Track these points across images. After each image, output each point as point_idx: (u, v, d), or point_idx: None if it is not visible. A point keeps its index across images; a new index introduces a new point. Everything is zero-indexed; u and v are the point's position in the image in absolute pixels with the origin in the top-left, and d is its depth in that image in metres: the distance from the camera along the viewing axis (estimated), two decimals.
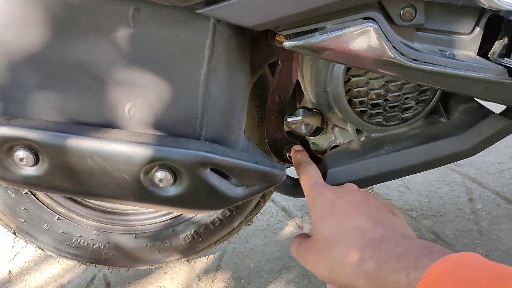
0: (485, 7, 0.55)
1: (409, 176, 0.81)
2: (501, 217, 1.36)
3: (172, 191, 0.65)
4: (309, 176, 0.69)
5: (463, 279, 0.40)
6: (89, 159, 0.61)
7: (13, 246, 1.35)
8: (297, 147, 0.81)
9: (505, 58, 0.64)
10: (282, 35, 0.63)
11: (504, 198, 1.44)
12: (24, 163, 0.63)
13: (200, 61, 0.60)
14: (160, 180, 0.63)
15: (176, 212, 1.01)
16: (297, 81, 0.79)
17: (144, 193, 0.65)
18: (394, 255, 0.49)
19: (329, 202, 0.61)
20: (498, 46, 0.65)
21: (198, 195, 0.65)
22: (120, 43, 0.60)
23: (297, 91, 0.86)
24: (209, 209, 0.68)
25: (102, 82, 0.62)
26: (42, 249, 1.04)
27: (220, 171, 0.64)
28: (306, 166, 0.72)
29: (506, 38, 0.64)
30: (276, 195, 1.50)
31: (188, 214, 1.02)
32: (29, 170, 0.64)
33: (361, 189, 0.89)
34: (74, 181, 0.64)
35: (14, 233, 1.02)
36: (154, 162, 0.61)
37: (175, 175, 0.63)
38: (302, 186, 0.70)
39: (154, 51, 0.60)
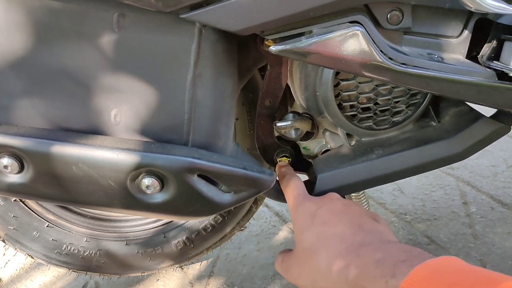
0: (472, 10, 0.55)
1: (403, 179, 0.80)
2: (496, 220, 1.36)
3: (159, 197, 0.64)
4: (292, 188, 0.69)
5: (442, 285, 0.40)
6: (75, 166, 0.61)
7: (4, 254, 1.34)
8: (282, 163, 0.82)
9: (494, 61, 0.63)
10: (269, 39, 0.63)
11: (498, 201, 1.44)
12: (9, 171, 0.62)
13: (186, 66, 0.60)
14: (147, 186, 0.62)
15: (164, 219, 1.00)
16: (287, 85, 0.79)
17: (131, 200, 0.64)
18: (373, 262, 0.48)
19: (310, 212, 0.61)
20: (486, 49, 0.64)
21: (185, 202, 0.64)
22: (105, 48, 0.59)
23: (288, 95, 0.85)
24: (197, 215, 0.67)
25: (87, 88, 0.61)
26: (32, 257, 1.03)
27: (208, 177, 0.63)
28: (290, 178, 0.72)
29: (494, 41, 0.64)
30: (269, 200, 1.49)
31: (177, 220, 1.01)
32: (13, 177, 0.63)
33: (353, 193, 0.90)
34: (59, 188, 0.64)
35: (3, 240, 1.00)
36: (141, 169, 0.61)
37: (162, 182, 0.62)
38: (286, 198, 0.70)
39: (139, 57, 0.60)
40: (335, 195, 0.66)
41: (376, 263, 0.48)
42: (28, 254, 1.02)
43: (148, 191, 0.63)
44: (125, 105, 0.62)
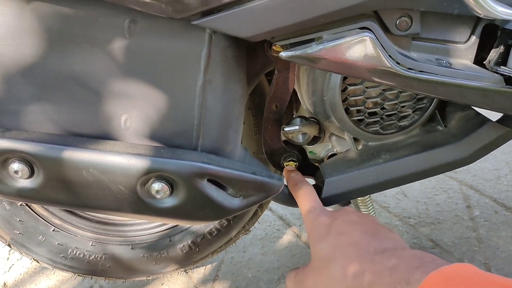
0: (481, 16, 0.55)
1: (407, 184, 0.81)
2: (499, 224, 1.36)
3: (169, 202, 0.64)
4: (307, 200, 0.70)
5: None
6: (85, 171, 0.61)
7: (8, 258, 1.34)
8: (289, 167, 0.82)
9: (501, 66, 0.64)
10: (279, 45, 0.63)
11: (502, 205, 1.44)
12: (19, 176, 0.62)
13: (196, 72, 0.60)
14: (157, 191, 0.63)
15: (173, 223, 1.00)
16: (294, 90, 0.79)
17: (140, 204, 0.64)
18: (388, 268, 0.49)
19: (326, 224, 0.62)
20: (494, 54, 0.65)
21: (195, 206, 0.64)
22: (116, 54, 0.59)
23: (294, 100, 0.86)
24: (206, 220, 0.68)
25: (98, 94, 0.62)
26: (37, 261, 1.03)
27: (217, 182, 0.64)
28: (302, 187, 0.72)
29: (502, 46, 0.64)
30: (273, 204, 1.49)
31: (185, 225, 1.01)
32: (24, 182, 0.63)
33: (359, 198, 0.90)
34: (69, 193, 0.64)
35: (9, 245, 1.00)
36: (151, 174, 0.61)
37: (172, 186, 0.63)
38: (299, 208, 0.71)
39: (150, 62, 0.60)
40: (350, 208, 0.67)
41: (390, 269, 0.48)
42: (33, 259, 1.02)
43: (158, 196, 0.63)
44: (135, 110, 0.63)
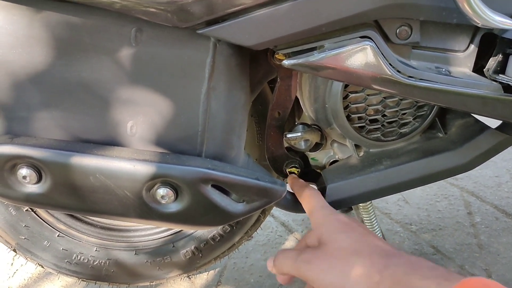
0: (479, 25, 0.57)
1: (408, 190, 0.82)
2: (500, 230, 1.37)
3: (174, 207, 0.65)
4: (318, 198, 0.71)
5: None
6: (92, 177, 0.62)
7: (12, 264, 1.35)
8: (293, 176, 0.83)
9: (499, 75, 0.65)
10: (281, 53, 0.64)
11: (503, 211, 1.45)
12: (27, 181, 0.64)
13: (200, 79, 0.62)
14: (162, 196, 0.64)
15: (177, 228, 1.01)
16: (296, 98, 0.80)
17: (146, 209, 0.65)
18: (425, 266, 0.50)
19: (344, 221, 0.62)
20: (492, 62, 0.66)
21: (199, 211, 0.66)
22: (123, 62, 0.61)
23: (296, 107, 0.87)
24: (210, 225, 0.69)
25: (104, 101, 0.63)
26: (42, 266, 1.04)
27: (221, 187, 0.65)
28: (311, 190, 0.73)
29: (500, 55, 0.65)
30: (276, 210, 1.50)
31: (189, 230, 1.02)
32: (32, 187, 0.65)
33: (361, 204, 0.91)
34: (76, 198, 0.65)
35: (14, 250, 1.02)
36: (156, 179, 0.62)
37: (177, 192, 0.64)
38: (307, 206, 0.71)
39: (155, 70, 0.62)
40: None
41: (428, 267, 0.50)
42: (38, 264, 1.03)
43: (163, 201, 0.64)
44: (141, 117, 0.64)
